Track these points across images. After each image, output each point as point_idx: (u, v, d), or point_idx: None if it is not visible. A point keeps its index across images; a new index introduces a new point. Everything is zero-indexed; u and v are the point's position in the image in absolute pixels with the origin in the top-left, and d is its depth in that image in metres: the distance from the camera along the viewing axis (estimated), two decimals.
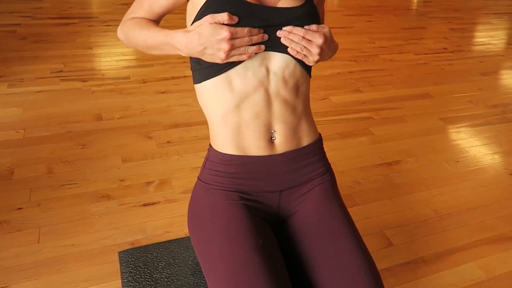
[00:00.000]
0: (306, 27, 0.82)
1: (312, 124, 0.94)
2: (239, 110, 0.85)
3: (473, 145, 2.25)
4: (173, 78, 2.63)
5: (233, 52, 0.78)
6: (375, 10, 4.62)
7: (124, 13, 0.94)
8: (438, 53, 3.55)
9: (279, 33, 0.81)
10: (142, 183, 1.73)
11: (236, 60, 0.80)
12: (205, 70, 0.85)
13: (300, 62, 0.86)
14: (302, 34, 0.81)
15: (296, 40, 0.81)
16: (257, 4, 0.81)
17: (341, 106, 2.50)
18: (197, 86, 0.90)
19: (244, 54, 0.79)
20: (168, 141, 1.99)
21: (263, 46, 0.81)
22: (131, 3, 0.92)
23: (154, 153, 1.91)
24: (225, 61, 0.79)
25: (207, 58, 0.80)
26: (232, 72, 0.82)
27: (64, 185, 1.68)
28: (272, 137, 0.90)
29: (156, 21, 0.94)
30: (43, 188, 1.65)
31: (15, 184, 1.67)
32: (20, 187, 1.65)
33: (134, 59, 2.83)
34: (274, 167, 0.90)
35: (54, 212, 1.54)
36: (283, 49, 0.83)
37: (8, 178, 1.69)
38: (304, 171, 0.93)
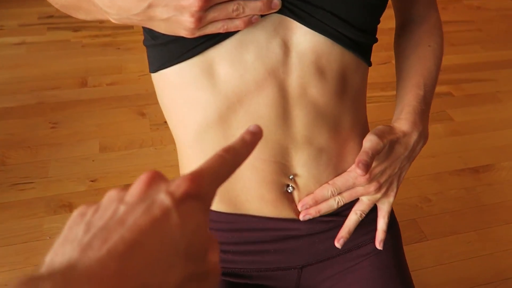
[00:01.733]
0: (332, 182, 0.54)
1: None
2: (228, 126, 0.51)
3: None
4: None
5: (212, 14, 0.42)
6: None
7: None
8: None
9: (301, 208, 0.54)
10: (120, 186, 1.25)
11: (222, 30, 0.44)
12: (163, 48, 0.50)
13: (350, 42, 0.49)
14: (331, 194, 0.53)
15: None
16: None
17: None
18: (154, 76, 0.55)
19: (237, 17, 0.43)
20: (165, 121, 1.48)
21: (277, 1, 0.44)
22: None
23: (145, 138, 1.42)
24: (199, 34, 0.43)
25: (161, 28, 0.45)
26: (216, 52, 0.48)
27: (16, 184, 1.25)
28: (288, 186, 0.55)
29: None
30: None
31: None
32: None
33: None
34: (291, 229, 0.56)
35: None
36: (312, 20, 0.47)
37: None
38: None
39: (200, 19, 0.41)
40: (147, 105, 1.55)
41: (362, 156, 0.49)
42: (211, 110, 0.50)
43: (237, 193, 0.54)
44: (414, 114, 0.55)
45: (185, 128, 0.53)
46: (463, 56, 2.02)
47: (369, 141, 0.51)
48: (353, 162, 0.54)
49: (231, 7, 0.42)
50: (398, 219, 1.21)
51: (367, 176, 0.52)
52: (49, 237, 1.11)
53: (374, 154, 0.50)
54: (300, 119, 0.50)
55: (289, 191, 0.54)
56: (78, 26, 1.98)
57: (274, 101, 0.49)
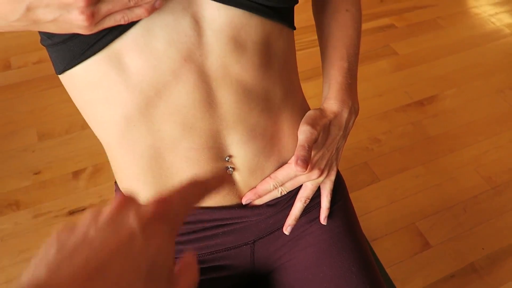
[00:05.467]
0: (274, 176, 0.53)
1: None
2: (151, 121, 0.47)
3: None
4: None
5: (106, 6, 0.36)
6: None
7: None
8: None
9: (244, 202, 0.53)
10: (68, 175, 1.20)
11: (123, 22, 0.38)
12: (63, 47, 0.44)
13: (266, 10, 0.46)
14: (273, 187, 0.53)
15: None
16: None
17: None
18: (62, 78, 0.49)
19: (137, 5, 0.38)
20: None
21: None
22: None
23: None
24: (96, 30, 0.38)
25: (52, 29, 0.39)
26: (121, 43, 0.43)
27: None
28: (227, 169, 0.53)
29: None
30: None
31: None
32: None
33: None
34: (240, 219, 0.55)
35: None
36: None
37: None
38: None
39: (93, 15, 0.36)
40: None
41: (299, 151, 0.48)
42: (129, 107, 0.46)
43: (171, 185, 0.51)
44: (342, 91, 0.54)
45: (107, 129, 0.49)
46: None
47: (303, 133, 0.49)
48: (289, 133, 0.54)
49: None
50: (350, 165, 1.24)
51: (308, 167, 0.52)
52: (1, 240, 1.07)
53: (311, 146, 0.49)
54: (226, 99, 0.48)
55: (229, 173, 0.52)
56: None
57: (196, 87, 0.46)
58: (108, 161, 1.25)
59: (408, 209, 1.15)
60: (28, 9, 0.36)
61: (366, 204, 1.16)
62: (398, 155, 1.28)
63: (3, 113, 1.35)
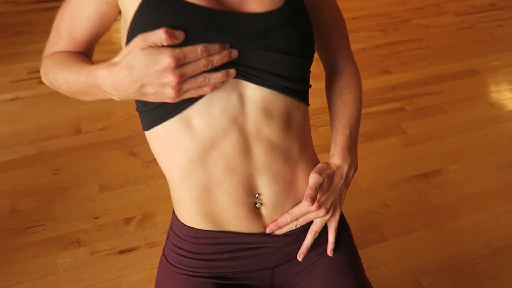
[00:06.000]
0: (290, 212, 0.70)
1: None
2: (206, 164, 0.64)
3: None
4: None
5: (187, 86, 0.56)
6: None
7: None
8: (484, 11, 2.97)
9: (268, 232, 0.70)
10: (120, 220, 1.44)
11: (195, 95, 0.58)
12: (153, 112, 0.64)
13: (289, 91, 0.64)
14: (290, 220, 0.70)
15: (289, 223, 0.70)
16: (213, 8, 0.58)
17: (365, 96, 2.03)
18: (147, 134, 0.68)
19: (205, 85, 0.57)
20: (155, 159, 1.67)
21: (232, 71, 0.59)
22: None
23: (138, 176, 1.60)
24: (178, 99, 0.58)
25: (151, 99, 0.58)
26: (191, 110, 0.61)
27: (28, 227, 1.41)
28: (256, 203, 0.68)
29: (86, 52, 0.71)
30: (3, 234, 1.39)
31: None
32: None
33: None
34: (263, 244, 0.71)
35: (12, 268, 1.29)
36: (258, 80, 0.62)
37: None
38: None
39: (179, 90, 0.55)
40: (137, 145, 1.74)
41: (308, 191, 0.63)
42: (191, 153, 0.63)
43: (218, 215, 0.68)
44: (343, 150, 0.71)
45: (173, 169, 0.66)
46: (413, 73, 2.27)
47: (312, 178, 0.66)
48: (304, 179, 0.69)
49: (199, 79, 0.56)
50: (361, 225, 1.42)
51: (316, 205, 0.67)
52: (63, 271, 1.28)
53: (318, 188, 0.65)
54: (258, 151, 0.64)
55: (257, 207, 0.68)
56: None
57: (238, 141, 0.63)
58: (153, 211, 1.56)
59: (412, 265, 1.30)
60: (141, 86, 0.55)
61: (374, 260, 1.31)
62: (405, 218, 1.45)
63: (72, 168, 1.64)
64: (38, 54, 2.37)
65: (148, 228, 1.41)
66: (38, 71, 2.22)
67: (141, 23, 0.57)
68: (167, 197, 1.50)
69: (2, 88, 2.12)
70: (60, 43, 0.69)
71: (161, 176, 1.61)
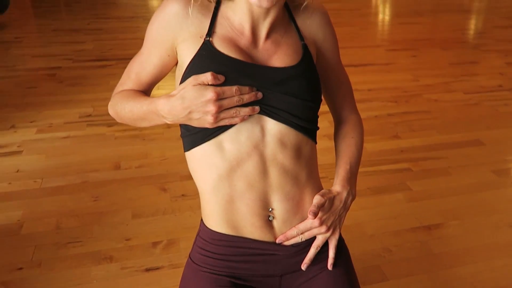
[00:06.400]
0: (297, 227, 0.82)
1: None
2: (232, 180, 0.79)
3: None
4: None
5: (223, 115, 0.73)
6: (422, 43, 4.36)
7: None
8: (492, 91, 3.23)
9: (278, 242, 0.82)
10: (149, 243, 1.62)
11: (228, 123, 0.75)
12: (194, 136, 0.80)
13: (300, 128, 0.80)
14: (297, 234, 0.82)
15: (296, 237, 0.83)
16: (247, 62, 0.77)
17: (375, 155, 2.28)
18: (187, 154, 0.84)
19: (236, 116, 0.74)
20: (183, 194, 1.89)
21: (257, 108, 0.76)
22: None
23: (166, 207, 1.80)
24: (215, 125, 0.74)
25: (195, 123, 0.75)
26: (223, 136, 0.77)
27: (69, 242, 1.61)
28: (269, 216, 0.82)
29: (146, 91, 0.88)
30: (48, 246, 1.59)
31: (22, 240, 1.62)
32: (26, 244, 1.60)
33: None
34: (273, 251, 0.83)
35: (54, 275, 1.46)
36: (277, 116, 0.78)
37: (16, 233, 1.65)
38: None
39: (216, 118, 0.72)
40: (168, 182, 1.96)
41: (311, 208, 0.77)
42: (221, 170, 0.78)
43: (238, 222, 0.81)
44: (344, 180, 0.84)
45: (206, 183, 0.81)
46: (421, 139, 2.47)
47: (316, 199, 0.78)
48: (309, 201, 0.82)
49: (233, 111, 0.73)
50: (364, 265, 1.56)
51: (318, 221, 0.79)
52: (96, 281, 1.45)
53: (320, 207, 0.78)
54: (273, 173, 0.79)
55: (270, 219, 0.82)
56: (111, 122, 2.48)
57: (258, 163, 0.78)
58: (178, 238, 1.79)
59: None
60: (189, 112, 0.71)
61: None
62: (405, 263, 1.58)
63: (110, 197, 1.86)
64: (88, 102, 2.77)
65: (172, 252, 1.58)
66: (88, 116, 2.56)
67: (194, 69, 0.75)
68: (191, 227, 1.69)
69: (57, 128, 2.44)
70: (129, 83, 0.87)
71: (187, 209, 1.81)
